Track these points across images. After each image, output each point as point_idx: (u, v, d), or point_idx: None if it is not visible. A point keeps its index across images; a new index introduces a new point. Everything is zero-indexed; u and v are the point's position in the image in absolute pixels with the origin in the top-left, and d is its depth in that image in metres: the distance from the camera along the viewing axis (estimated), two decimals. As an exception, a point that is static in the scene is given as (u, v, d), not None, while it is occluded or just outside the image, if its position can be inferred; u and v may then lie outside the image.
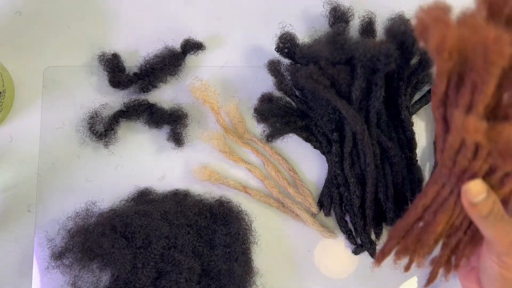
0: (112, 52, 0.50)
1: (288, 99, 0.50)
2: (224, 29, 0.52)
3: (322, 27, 0.51)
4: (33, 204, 0.49)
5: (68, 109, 0.50)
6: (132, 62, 0.51)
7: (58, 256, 0.44)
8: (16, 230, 0.48)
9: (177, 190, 0.49)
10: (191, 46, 0.49)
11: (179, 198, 0.48)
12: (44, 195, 0.49)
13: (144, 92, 0.50)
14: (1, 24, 0.51)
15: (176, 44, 0.50)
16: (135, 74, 0.50)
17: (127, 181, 0.49)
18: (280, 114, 0.47)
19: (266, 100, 0.49)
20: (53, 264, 0.44)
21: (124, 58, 0.51)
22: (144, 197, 0.48)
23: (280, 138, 0.48)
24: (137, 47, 0.51)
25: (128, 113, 0.49)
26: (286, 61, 0.49)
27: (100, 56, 0.49)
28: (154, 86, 0.50)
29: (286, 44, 0.48)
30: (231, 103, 0.49)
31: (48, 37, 0.51)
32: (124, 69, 0.50)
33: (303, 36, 0.51)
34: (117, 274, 0.42)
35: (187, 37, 0.50)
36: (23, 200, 0.49)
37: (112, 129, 0.49)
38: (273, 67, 0.49)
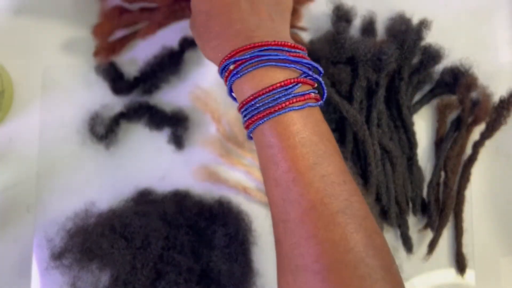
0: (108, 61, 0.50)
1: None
2: None
3: (325, 26, 0.51)
4: (32, 205, 0.48)
5: (68, 109, 0.50)
6: (131, 62, 0.50)
7: (58, 256, 0.44)
8: (15, 230, 0.48)
9: (177, 190, 0.48)
10: (189, 43, 0.49)
11: (179, 198, 0.47)
12: (43, 196, 0.49)
13: (147, 94, 0.50)
14: (0, 24, 0.51)
15: (175, 44, 0.50)
16: (135, 78, 0.49)
17: (127, 182, 0.49)
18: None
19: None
20: (52, 265, 0.44)
21: (123, 61, 0.50)
22: (144, 198, 0.48)
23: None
24: (135, 46, 0.51)
25: (128, 115, 0.49)
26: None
27: (96, 67, 0.49)
28: (157, 87, 0.50)
29: None
30: (231, 112, 0.49)
31: (47, 37, 0.51)
32: (123, 75, 0.50)
33: (305, 35, 0.51)
34: (117, 274, 0.42)
35: (185, 35, 0.50)
36: (22, 200, 0.48)
37: (113, 131, 0.48)
38: None
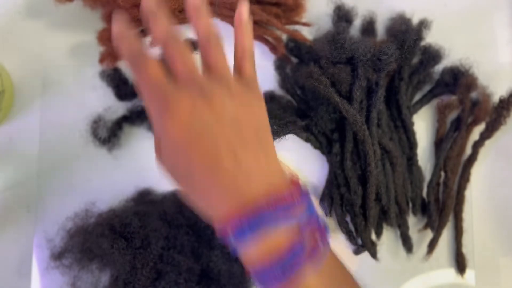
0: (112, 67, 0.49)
1: (290, 98, 0.50)
2: (228, 27, 0.52)
3: (326, 26, 0.51)
4: (32, 205, 0.48)
5: (68, 109, 0.50)
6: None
7: (58, 256, 0.44)
8: (16, 230, 0.48)
9: (177, 190, 0.48)
10: (193, 47, 0.49)
11: (179, 198, 0.47)
12: (43, 196, 0.49)
13: None
14: (1, 24, 0.51)
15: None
16: None
17: (127, 182, 0.49)
18: (279, 115, 0.47)
19: (267, 98, 0.49)
20: (52, 265, 0.44)
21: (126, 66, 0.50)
22: (143, 198, 0.48)
23: (278, 139, 0.48)
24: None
25: (131, 118, 0.49)
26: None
27: (101, 73, 0.49)
28: None
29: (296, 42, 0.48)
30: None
31: (48, 37, 0.51)
32: (127, 80, 0.50)
33: (306, 35, 0.51)
34: (117, 274, 0.42)
35: (186, 37, 0.50)
36: (22, 200, 0.49)
37: (116, 135, 0.48)
38: (280, 65, 0.49)
